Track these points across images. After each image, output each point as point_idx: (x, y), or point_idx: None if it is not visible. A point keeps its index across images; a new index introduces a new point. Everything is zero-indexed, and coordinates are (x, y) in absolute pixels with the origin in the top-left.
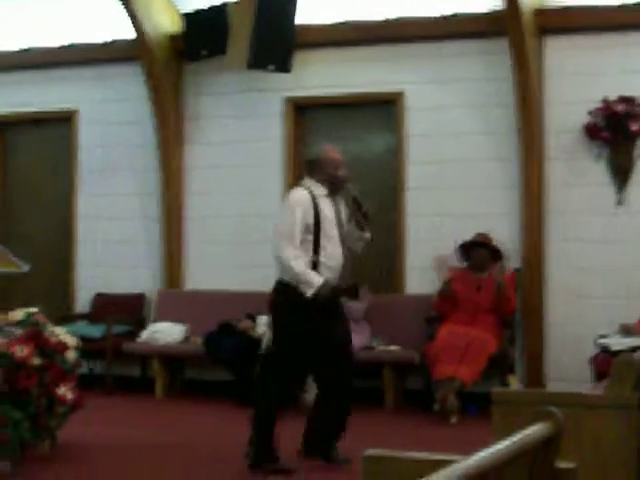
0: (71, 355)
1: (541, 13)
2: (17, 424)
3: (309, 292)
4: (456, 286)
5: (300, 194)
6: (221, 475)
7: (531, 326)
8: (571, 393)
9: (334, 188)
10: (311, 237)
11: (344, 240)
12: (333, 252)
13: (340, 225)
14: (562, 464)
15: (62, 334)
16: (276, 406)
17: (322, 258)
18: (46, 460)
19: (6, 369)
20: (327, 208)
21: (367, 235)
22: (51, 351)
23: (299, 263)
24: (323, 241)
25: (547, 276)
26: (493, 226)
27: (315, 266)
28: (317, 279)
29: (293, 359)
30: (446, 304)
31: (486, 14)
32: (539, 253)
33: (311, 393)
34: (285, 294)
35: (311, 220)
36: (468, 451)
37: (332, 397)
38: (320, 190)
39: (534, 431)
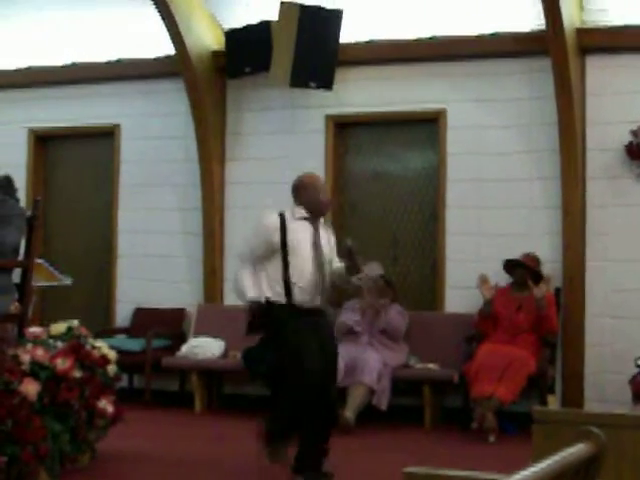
0: (111, 369)
1: (583, 32)
2: (57, 436)
3: (246, 299)
4: (497, 305)
5: (267, 217)
6: None
7: (571, 346)
8: (613, 414)
9: (316, 212)
10: (279, 257)
11: (320, 261)
12: (305, 271)
13: (316, 247)
14: None
15: (103, 347)
16: (291, 421)
17: (292, 277)
18: (85, 472)
19: (47, 381)
20: (302, 230)
21: (353, 280)
22: (92, 364)
23: (245, 277)
24: (292, 260)
25: (588, 296)
26: (534, 246)
27: (287, 284)
28: (250, 295)
29: (296, 371)
30: (487, 323)
31: (528, 33)
32: (580, 273)
33: (351, 411)
34: (272, 311)
35: (277, 240)
36: (506, 470)
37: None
38: (300, 213)
39: (576, 451)
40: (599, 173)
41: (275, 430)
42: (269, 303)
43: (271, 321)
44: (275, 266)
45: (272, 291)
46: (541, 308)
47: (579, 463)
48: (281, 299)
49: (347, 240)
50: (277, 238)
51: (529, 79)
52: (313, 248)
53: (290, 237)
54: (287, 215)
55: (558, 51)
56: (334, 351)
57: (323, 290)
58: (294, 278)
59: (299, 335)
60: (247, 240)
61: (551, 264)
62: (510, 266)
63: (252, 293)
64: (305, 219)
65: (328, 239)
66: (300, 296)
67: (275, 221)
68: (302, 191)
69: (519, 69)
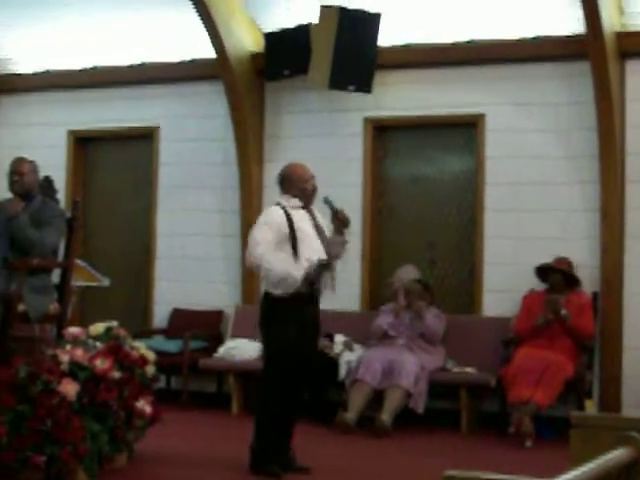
0: (150, 369)
1: (622, 36)
2: (96, 436)
3: (298, 277)
4: (534, 310)
5: (271, 210)
6: None
7: (609, 350)
8: None
9: (306, 200)
10: (289, 247)
11: (328, 247)
12: (313, 257)
13: (320, 233)
14: None
15: (141, 348)
16: (274, 415)
17: (302, 265)
18: (123, 473)
19: (87, 382)
20: (303, 219)
21: (344, 238)
22: (131, 365)
23: (278, 263)
24: (301, 249)
25: (626, 299)
26: (572, 249)
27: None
28: (303, 267)
29: (281, 365)
30: (528, 328)
31: (567, 37)
32: (618, 276)
33: (352, 413)
34: (266, 304)
35: (286, 230)
36: (543, 475)
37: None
38: (294, 203)
39: (615, 456)
40: (638, 176)
41: (262, 439)
42: (270, 296)
43: (268, 314)
44: (284, 256)
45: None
46: (565, 320)
47: (619, 468)
48: (288, 289)
49: (325, 197)
50: (286, 229)
51: (568, 83)
52: (318, 234)
53: (297, 226)
54: (287, 205)
55: (597, 55)
56: (314, 351)
57: (332, 274)
58: (304, 265)
59: (284, 337)
60: (257, 240)
61: (589, 268)
62: (543, 272)
63: (297, 271)
64: (300, 207)
65: (325, 223)
66: (279, 272)
67: (281, 214)
68: (289, 182)
69: (558, 73)
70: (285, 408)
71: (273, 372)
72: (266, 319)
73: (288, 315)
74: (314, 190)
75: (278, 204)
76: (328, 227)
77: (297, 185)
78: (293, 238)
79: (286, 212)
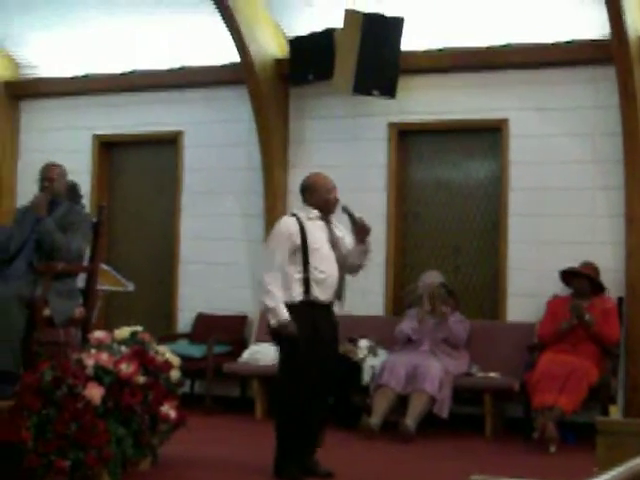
0: (174, 374)
1: None
2: (120, 440)
3: (272, 321)
4: (558, 315)
5: (285, 221)
6: None
7: (634, 356)
8: None
9: (327, 210)
10: (300, 257)
11: (341, 259)
12: (326, 270)
13: (334, 245)
14: None
15: (166, 353)
16: (292, 420)
17: (313, 276)
18: (147, 477)
19: (111, 386)
20: (318, 229)
21: (367, 247)
22: (155, 369)
23: (273, 293)
24: (313, 260)
25: None
26: (597, 254)
27: (307, 283)
28: (284, 316)
29: (294, 370)
30: (552, 333)
31: (592, 41)
32: None
33: (376, 418)
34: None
35: (298, 241)
36: None
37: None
38: (312, 214)
39: None
40: None
41: (283, 445)
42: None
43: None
44: (295, 266)
45: (290, 291)
46: (589, 325)
47: None
48: (299, 297)
49: (344, 206)
50: (298, 240)
51: (593, 88)
52: (331, 245)
53: (309, 237)
54: (302, 216)
55: (622, 59)
56: (333, 355)
57: (340, 286)
58: (313, 276)
59: (301, 348)
60: (271, 250)
61: (614, 273)
62: (568, 276)
63: (285, 315)
64: (319, 218)
65: (344, 233)
66: (318, 292)
67: (294, 223)
68: (311, 192)
69: (583, 78)
70: (304, 412)
71: (287, 377)
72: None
73: (297, 319)
74: (336, 201)
75: (293, 215)
76: (350, 237)
77: (320, 195)
78: (304, 248)
79: (300, 222)
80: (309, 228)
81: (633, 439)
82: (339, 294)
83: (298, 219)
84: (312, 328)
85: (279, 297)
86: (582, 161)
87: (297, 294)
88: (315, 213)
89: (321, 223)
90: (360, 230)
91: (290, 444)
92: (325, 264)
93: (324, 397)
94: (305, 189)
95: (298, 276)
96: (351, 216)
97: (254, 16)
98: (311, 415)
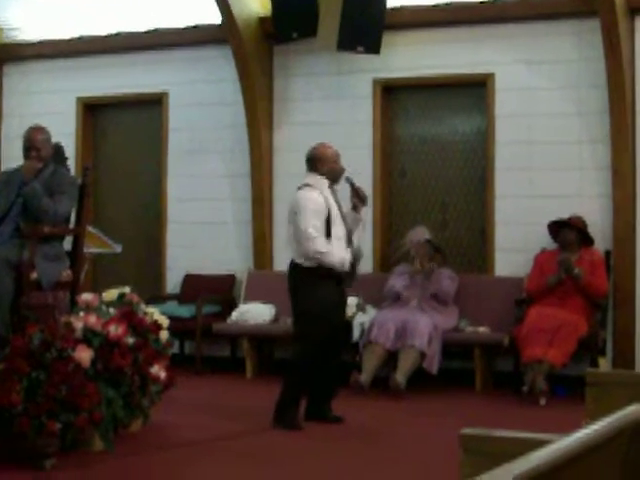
0: (164, 335)
1: None
2: (111, 402)
3: (348, 260)
4: (545, 269)
5: (312, 196)
6: (310, 452)
7: (622, 308)
8: None
9: (334, 179)
10: (324, 227)
11: (347, 225)
12: (340, 238)
13: (341, 211)
14: None
15: (155, 314)
16: (305, 376)
17: (334, 243)
18: (138, 438)
19: (101, 348)
20: (331, 200)
21: (361, 216)
22: (144, 331)
23: (330, 252)
24: (335, 230)
25: (638, 257)
26: (584, 208)
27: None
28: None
29: (315, 328)
30: (540, 287)
31: None
32: (631, 234)
33: (366, 374)
34: (297, 272)
35: (325, 213)
36: (558, 433)
37: (328, 365)
38: (324, 184)
39: (630, 411)
40: None
41: (291, 394)
42: (301, 268)
43: (301, 283)
44: (331, 241)
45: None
46: (578, 279)
47: (635, 423)
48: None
49: (347, 176)
50: (325, 212)
51: (578, 40)
52: (341, 214)
53: (332, 210)
54: (321, 189)
55: (607, 12)
56: (344, 312)
57: (352, 253)
58: (334, 245)
59: (325, 298)
60: (309, 232)
61: (601, 226)
62: (556, 228)
63: (347, 255)
64: (329, 188)
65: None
66: (337, 260)
67: (319, 197)
68: (322, 162)
69: (568, 30)
70: (318, 369)
71: (307, 336)
72: (297, 287)
73: (320, 282)
74: (342, 170)
75: (310, 186)
76: (348, 208)
77: (327, 164)
78: (328, 219)
79: (325, 198)
80: (329, 201)
81: (622, 390)
82: (356, 257)
83: (322, 194)
84: (329, 287)
85: (335, 252)
86: (568, 114)
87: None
88: (324, 182)
89: (329, 191)
90: (358, 199)
91: (296, 394)
92: (340, 232)
93: (339, 350)
94: (313, 159)
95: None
96: (352, 186)
97: None
98: (328, 366)
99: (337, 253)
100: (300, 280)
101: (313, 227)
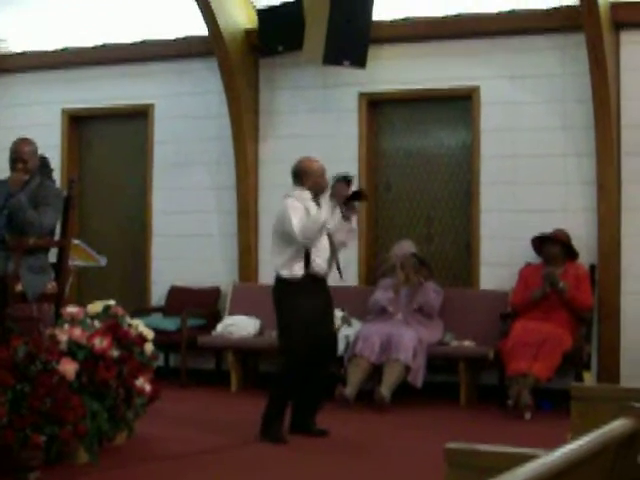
0: (148, 347)
1: (617, 7)
2: (95, 415)
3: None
4: (530, 283)
5: (296, 205)
6: (295, 464)
7: (607, 322)
8: None
9: (318, 192)
10: None
11: (330, 236)
12: (322, 247)
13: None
14: None
15: (140, 326)
16: (290, 390)
17: (313, 253)
18: (123, 451)
19: (85, 361)
20: (313, 210)
21: (353, 225)
22: (129, 343)
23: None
24: (317, 242)
25: (623, 272)
26: (569, 222)
27: (307, 258)
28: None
29: (298, 341)
30: (525, 301)
31: (562, 9)
32: (615, 249)
33: (351, 387)
34: (281, 285)
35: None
36: (543, 447)
37: (314, 378)
38: (308, 196)
39: (616, 427)
40: (634, 148)
41: (276, 406)
42: (284, 280)
43: (284, 296)
44: (297, 246)
45: (293, 266)
46: (563, 293)
47: (621, 438)
48: (300, 272)
49: (345, 176)
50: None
51: (563, 55)
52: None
53: None
54: (302, 199)
55: (592, 26)
56: (331, 323)
57: (334, 262)
58: (313, 254)
59: (309, 310)
60: (294, 223)
61: (586, 240)
62: (538, 243)
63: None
64: (311, 200)
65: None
66: (317, 269)
67: (301, 207)
68: (307, 175)
69: (553, 45)
70: (303, 382)
71: (292, 349)
72: (281, 300)
73: (304, 294)
74: (327, 184)
75: (294, 198)
76: (338, 217)
77: (312, 178)
78: None
79: (305, 206)
80: (310, 209)
81: (607, 405)
82: (338, 267)
83: (304, 204)
84: (314, 299)
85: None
86: (553, 128)
87: (298, 269)
88: (308, 195)
89: (313, 204)
90: (347, 211)
91: (281, 408)
92: (322, 242)
93: (326, 361)
94: (298, 173)
95: (300, 255)
96: (349, 184)
97: None
98: (313, 379)
99: (308, 223)
100: (283, 292)
101: (297, 219)
